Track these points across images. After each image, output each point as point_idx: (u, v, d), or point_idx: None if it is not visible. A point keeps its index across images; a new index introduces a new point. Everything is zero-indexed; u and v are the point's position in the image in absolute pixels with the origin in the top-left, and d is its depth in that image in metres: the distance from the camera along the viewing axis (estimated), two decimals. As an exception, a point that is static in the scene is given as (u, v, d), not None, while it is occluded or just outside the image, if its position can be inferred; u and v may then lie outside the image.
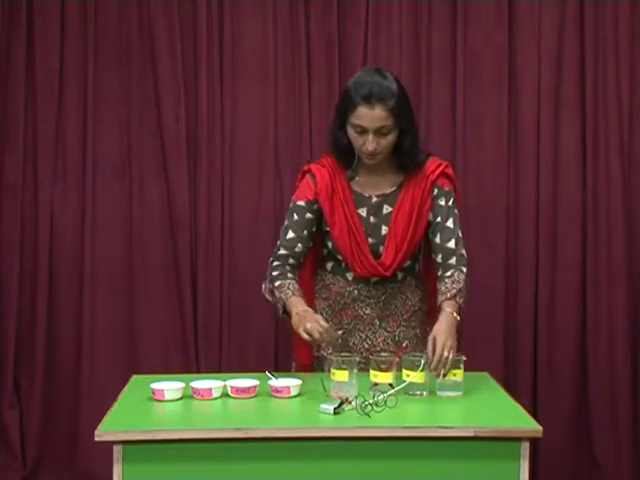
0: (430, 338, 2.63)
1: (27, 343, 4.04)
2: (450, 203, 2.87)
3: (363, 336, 2.89)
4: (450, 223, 2.85)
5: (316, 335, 2.62)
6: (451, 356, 2.58)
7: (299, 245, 2.88)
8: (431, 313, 2.96)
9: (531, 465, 2.37)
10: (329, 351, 2.85)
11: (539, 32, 3.98)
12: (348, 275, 2.90)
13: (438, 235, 2.85)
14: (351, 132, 2.76)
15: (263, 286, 2.92)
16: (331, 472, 2.31)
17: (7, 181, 4.02)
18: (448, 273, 2.80)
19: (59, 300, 4.04)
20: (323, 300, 2.95)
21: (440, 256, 2.85)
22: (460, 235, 2.87)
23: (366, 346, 2.88)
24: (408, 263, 2.91)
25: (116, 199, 4.04)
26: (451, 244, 2.84)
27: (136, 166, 4.02)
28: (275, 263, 2.89)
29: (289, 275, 2.85)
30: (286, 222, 2.92)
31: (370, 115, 2.69)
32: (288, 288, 2.80)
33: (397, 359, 2.59)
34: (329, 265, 2.94)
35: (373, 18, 3.98)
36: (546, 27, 3.98)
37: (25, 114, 4.00)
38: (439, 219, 2.85)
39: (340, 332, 2.89)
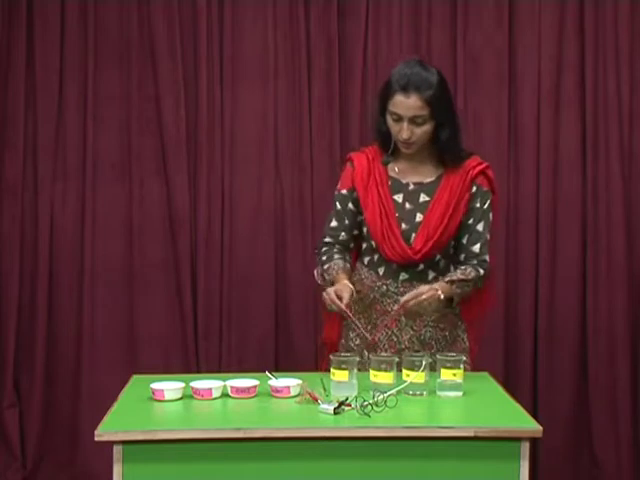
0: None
1: (27, 343, 4.04)
2: (485, 206, 2.89)
3: (389, 332, 2.90)
4: (480, 227, 2.89)
5: (326, 301, 2.76)
6: (425, 303, 2.72)
7: (343, 234, 2.96)
8: (466, 317, 2.98)
9: (531, 465, 2.37)
10: (357, 342, 2.91)
11: (539, 32, 3.99)
12: (380, 270, 2.92)
13: (466, 236, 2.89)
14: (389, 119, 2.83)
15: (315, 272, 2.99)
16: (331, 472, 2.31)
17: (7, 181, 4.02)
18: (463, 267, 2.87)
19: (59, 300, 4.04)
20: (356, 293, 2.95)
21: (463, 256, 2.91)
22: (487, 238, 2.89)
23: (392, 343, 2.89)
24: (442, 263, 2.91)
25: (116, 199, 4.04)
26: (476, 248, 2.88)
27: (136, 166, 4.03)
28: (323, 249, 2.98)
29: (335, 256, 2.94)
30: (332, 210, 2.99)
31: (405, 103, 2.76)
32: (333, 269, 2.89)
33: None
34: (366, 259, 2.97)
35: (373, 18, 3.99)
36: (546, 27, 3.99)
37: (25, 114, 4.00)
38: (471, 220, 2.88)
39: (369, 326, 2.90)
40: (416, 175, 2.91)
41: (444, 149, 2.87)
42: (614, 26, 3.95)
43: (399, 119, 2.79)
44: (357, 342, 2.93)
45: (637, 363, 4.02)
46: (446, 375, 2.59)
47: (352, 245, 3.00)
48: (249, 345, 4.03)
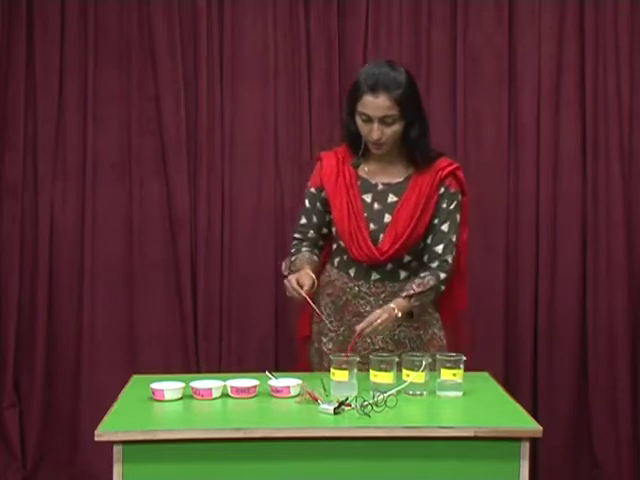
0: (373, 313, 2.77)
1: (27, 343, 4.04)
2: (452, 207, 2.89)
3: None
4: (445, 227, 2.88)
5: (287, 288, 2.81)
6: (380, 327, 2.73)
7: (311, 231, 2.98)
8: (444, 315, 2.99)
9: (531, 465, 2.37)
10: (329, 346, 2.90)
11: (539, 32, 3.99)
12: (351, 271, 2.92)
13: (430, 236, 2.88)
14: (358, 120, 2.81)
15: (283, 265, 3.00)
16: (331, 472, 2.31)
17: (7, 181, 4.02)
18: (422, 274, 2.85)
19: (59, 300, 4.04)
20: (327, 296, 2.97)
21: (426, 257, 2.90)
22: (453, 240, 2.89)
23: (365, 344, 2.88)
24: (413, 264, 2.91)
25: (116, 199, 4.04)
26: (438, 248, 2.87)
27: (136, 166, 4.03)
28: (293, 243, 3.02)
29: (303, 249, 2.97)
30: (303, 206, 3.02)
31: (374, 103, 2.75)
32: (299, 260, 2.92)
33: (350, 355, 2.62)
34: (336, 260, 2.97)
35: (373, 18, 3.99)
36: (546, 27, 3.99)
37: (25, 114, 4.00)
38: (436, 221, 2.88)
39: (342, 328, 2.91)
40: (385, 175, 2.91)
41: (414, 148, 2.86)
42: (614, 26, 3.95)
43: (369, 120, 2.78)
44: (330, 346, 2.92)
45: (637, 363, 4.02)
46: (446, 375, 2.59)
47: (321, 243, 3.02)
48: (249, 345, 4.03)
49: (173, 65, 3.98)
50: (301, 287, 2.77)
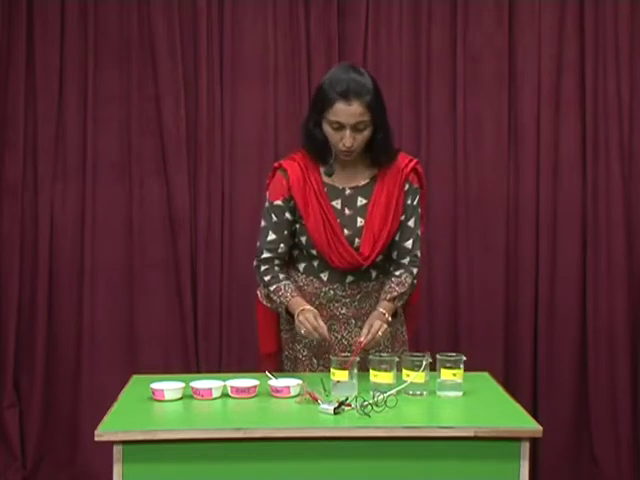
0: (368, 322, 2.75)
1: (27, 343, 4.04)
2: (415, 202, 2.89)
3: (339, 336, 2.88)
4: (411, 222, 2.88)
5: (305, 327, 2.70)
6: (381, 339, 2.75)
7: (282, 246, 2.87)
8: (409, 312, 3.00)
9: (531, 465, 2.37)
10: (304, 352, 2.89)
11: (539, 32, 3.99)
12: (323, 275, 2.89)
13: (399, 233, 2.88)
14: (327, 128, 2.75)
15: (259, 293, 2.94)
16: (331, 472, 2.31)
17: (7, 181, 4.02)
18: (397, 272, 2.86)
19: (59, 300, 4.04)
20: None
21: (396, 253, 2.89)
22: (419, 234, 2.90)
23: (342, 347, 2.86)
24: (382, 262, 2.90)
25: (116, 199, 4.04)
26: (408, 244, 2.87)
27: (136, 166, 4.03)
28: (263, 267, 2.88)
29: (281, 277, 2.86)
30: (264, 223, 2.89)
31: (347, 111, 2.69)
32: (286, 290, 2.81)
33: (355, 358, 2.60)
34: (301, 266, 2.92)
35: (373, 18, 3.99)
36: (546, 27, 3.99)
37: (25, 114, 4.00)
38: (403, 217, 2.87)
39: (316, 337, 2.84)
40: (350, 179, 2.87)
41: (379, 150, 2.82)
42: (614, 26, 3.95)
43: (340, 127, 2.72)
44: (305, 352, 2.90)
45: (637, 363, 4.03)
46: (446, 375, 2.59)
47: (287, 257, 2.92)
48: (249, 345, 4.02)
49: (173, 65, 3.98)
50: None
